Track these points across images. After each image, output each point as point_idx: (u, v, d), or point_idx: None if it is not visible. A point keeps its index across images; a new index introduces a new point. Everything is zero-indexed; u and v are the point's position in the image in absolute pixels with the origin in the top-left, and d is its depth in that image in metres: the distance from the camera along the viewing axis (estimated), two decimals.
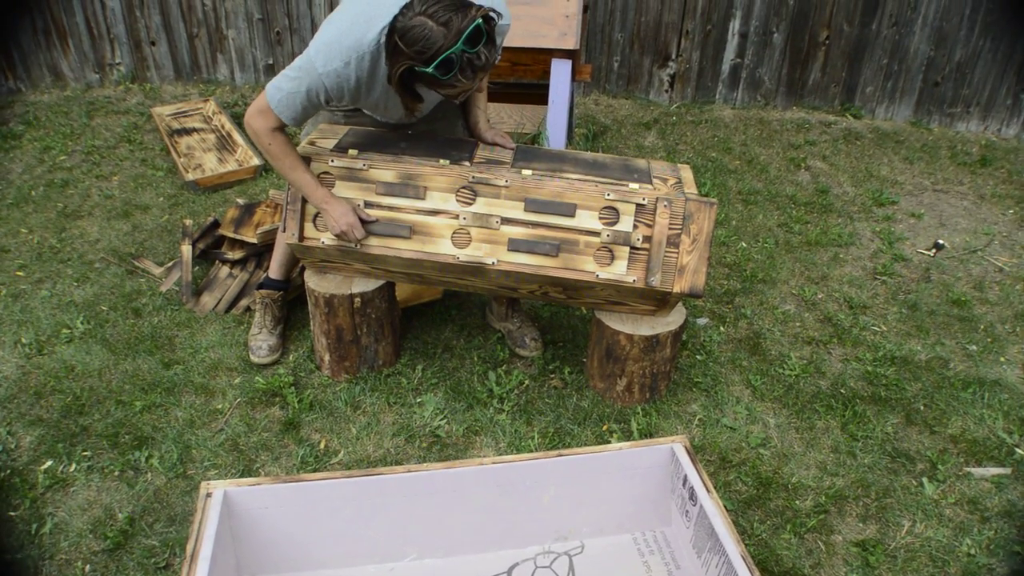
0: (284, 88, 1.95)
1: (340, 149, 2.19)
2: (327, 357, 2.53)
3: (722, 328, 2.84)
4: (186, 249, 2.94)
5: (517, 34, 3.27)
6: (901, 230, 3.58)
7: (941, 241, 3.45)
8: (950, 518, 2.14)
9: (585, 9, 3.37)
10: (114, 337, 2.84)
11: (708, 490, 1.73)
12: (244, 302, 2.91)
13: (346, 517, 1.81)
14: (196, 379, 2.62)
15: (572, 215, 2.12)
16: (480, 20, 1.68)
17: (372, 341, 2.49)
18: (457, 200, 2.15)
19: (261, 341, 2.65)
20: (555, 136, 3.41)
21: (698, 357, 2.68)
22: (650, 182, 2.19)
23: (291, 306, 2.87)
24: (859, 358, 2.74)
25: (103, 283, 3.18)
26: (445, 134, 2.44)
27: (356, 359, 2.51)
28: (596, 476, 1.82)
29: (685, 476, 1.77)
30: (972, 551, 2.04)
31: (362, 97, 2.03)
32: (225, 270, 2.98)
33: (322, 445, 2.34)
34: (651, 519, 1.89)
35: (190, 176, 3.88)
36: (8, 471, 2.29)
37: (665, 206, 2.11)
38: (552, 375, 2.57)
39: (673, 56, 4.62)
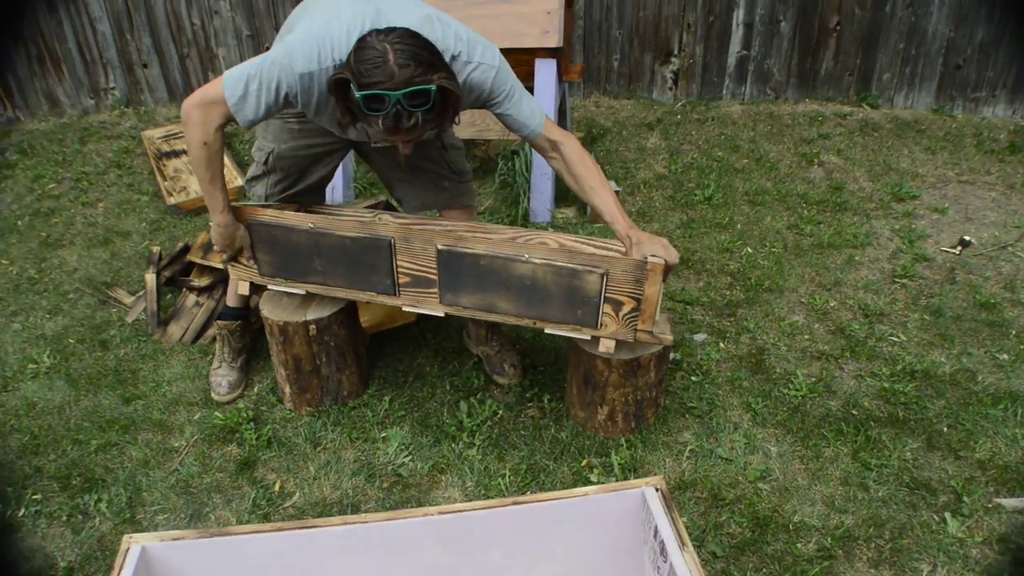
0: (249, 83, 1.73)
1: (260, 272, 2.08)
2: (288, 389, 2.35)
3: (722, 344, 2.60)
4: (150, 278, 2.80)
5: (497, 34, 3.08)
6: (923, 227, 3.29)
7: (967, 237, 3.15)
8: (977, 560, 1.87)
9: (569, 4, 3.16)
10: (78, 371, 2.72)
11: (682, 543, 1.50)
12: (212, 331, 2.76)
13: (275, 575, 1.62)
14: (155, 415, 2.47)
15: None
16: (435, 87, 1.54)
17: (334, 371, 2.31)
18: None
19: (220, 377, 2.49)
20: None
21: (693, 378, 2.44)
22: (595, 323, 1.92)
23: (258, 334, 2.71)
24: (874, 373, 2.48)
25: (75, 314, 3.07)
26: (425, 172, 2.26)
27: (318, 391, 2.33)
28: (556, 527, 1.60)
29: (656, 527, 1.54)
30: None
31: (328, 109, 1.84)
32: (192, 298, 2.84)
33: (277, 486, 2.16)
34: (620, 575, 1.67)
35: (172, 200, 3.76)
36: None
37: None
38: (530, 404, 2.36)
39: (675, 52, 4.38)
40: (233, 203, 2.02)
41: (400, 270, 1.97)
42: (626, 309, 1.88)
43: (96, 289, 3.21)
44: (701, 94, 4.49)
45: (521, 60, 3.13)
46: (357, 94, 1.54)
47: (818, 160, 3.82)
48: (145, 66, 4.98)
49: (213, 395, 2.48)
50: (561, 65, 3.21)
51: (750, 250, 3.09)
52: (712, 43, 4.32)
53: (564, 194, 3.42)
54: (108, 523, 2.12)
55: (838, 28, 4.18)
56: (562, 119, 3.73)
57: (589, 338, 1.99)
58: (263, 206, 2.07)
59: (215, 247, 2.12)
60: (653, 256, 1.80)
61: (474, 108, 1.93)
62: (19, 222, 3.96)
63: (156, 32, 4.94)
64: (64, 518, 2.14)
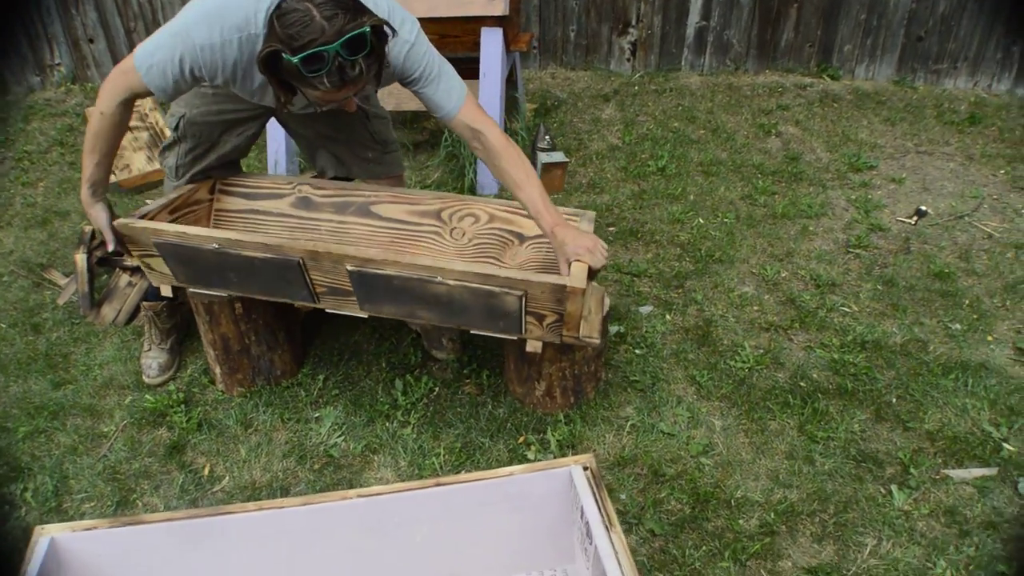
0: (156, 55, 1.66)
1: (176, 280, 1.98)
2: (218, 370, 2.27)
3: (668, 316, 2.54)
4: (80, 258, 2.68)
5: (442, 1, 2.98)
6: (879, 197, 3.24)
7: (924, 207, 3.12)
8: (923, 533, 1.84)
9: None
10: (9, 356, 2.60)
11: (609, 523, 1.45)
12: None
13: (189, 563, 1.54)
14: (85, 400, 2.37)
15: None
16: (368, 28, 1.44)
17: (265, 350, 2.22)
18: None
19: (151, 359, 2.39)
20: (490, 114, 3.10)
21: (637, 351, 2.38)
22: (519, 331, 1.81)
23: (190, 313, 2.61)
24: (824, 344, 2.43)
25: (7, 297, 2.95)
26: (347, 142, 2.16)
27: (249, 371, 2.25)
28: (481, 509, 1.54)
29: (582, 507, 1.48)
30: (948, 573, 1.73)
31: (238, 82, 1.74)
32: (125, 278, 2.73)
33: (206, 471, 2.08)
34: (550, 556, 1.61)
35: (114, 178, 3.62)
36: None
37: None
38: (467, 380, 2.29)
39: (633, 22, 4.29)
40: (130, 223, 1.90)
41: (315, 283, 1.87)
42: (549, 320, 1.77)
43: (31, 271, 3.09)
44: (659, 65, 4.40)
45: (467, 29, 3.04)
46: (294, 59, 1.43)
47: (776, 131, 3.76)
48: (91, 41, 4.80)
49: (144, 378, 2.39)
50: (509, 34, 3.11)
51: (701, 221, 3.03)
52: (671, 13, 4.23)
53: None
54: (34, 513, 2.03)
55: None
56: (512, 90, 3.64)
57: (515, 338, 1.91)
58: (157, 227, 1.89)
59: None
60: (577, 259, 1.69)
61: (388, 84, 1.82)
62: None
63: (102, 5, 4.75)
64: None
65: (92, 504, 2.05)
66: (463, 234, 2.00)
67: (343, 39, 1.42)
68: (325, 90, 1.49)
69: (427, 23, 3.01)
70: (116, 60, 4.81)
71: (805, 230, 3.01)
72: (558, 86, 4.29)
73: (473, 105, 1.81)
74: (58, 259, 3.14)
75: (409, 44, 1.71)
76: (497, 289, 1.67)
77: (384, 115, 2.23)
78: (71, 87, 4.92)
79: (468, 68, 3.18)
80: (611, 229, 2.96)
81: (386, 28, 1.50)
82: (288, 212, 2.16)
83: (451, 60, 3.41)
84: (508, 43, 3.14)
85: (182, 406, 2.27)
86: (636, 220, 3.01)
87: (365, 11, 1.48)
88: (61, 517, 2.02)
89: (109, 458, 2.17)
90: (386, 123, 2.23)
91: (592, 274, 1.71)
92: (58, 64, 5.02)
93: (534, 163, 3.18)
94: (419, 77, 1.75)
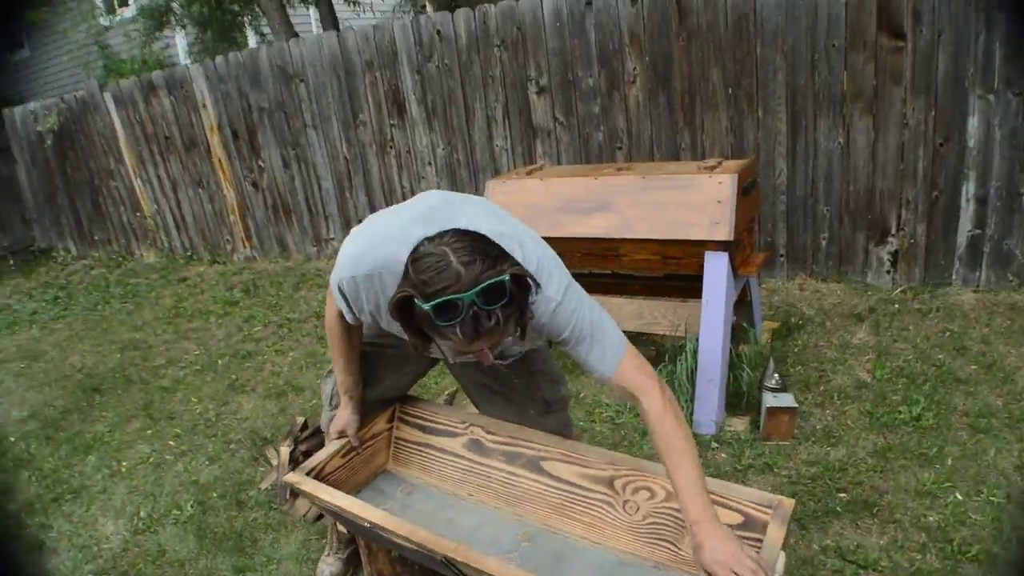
0: (331, 282, 1.72)
1: None
2: None
3: None
4: (284, 451, 2.83)
5: (663, 223, 2.87)
6: None
7: None
8: None
9: (746, 191, 2.86)
10: (209, 527, 2.78)
11: None
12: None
13: None
14: None
15: None
16: (507, 276, 1.33)
17: None
18: None
19: (326, 566, 2.38)
20: (710, 343, 2.85)
21: None
22: None
23: None
24: None
25: (229, 466, 3.20)
26: (505, 395, 2.07)
27: None
28: None
29: None
30: None
31: (383, 319, 1.72)
32: None
33: None
34: None
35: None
36: None
37: None
38: None
39: (893, 230, 3.84)
40: (298, 483, 1.88)
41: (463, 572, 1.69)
42: None
43: (254, 443, 3.34)
44: (924, 279, 3.85)
45: (690, 251, 2.88)
46: (425, 307, 1.34)
47: None
48: (359, 221, 5.43)
49: None
50: (736, 258, 2.89)
51: (959, 497, 2.40)
52: (937, 220, 3.73)
53: (736, 401, 2.98)
54: None
55: None
56: (749, 310, 3.35)
57: None
58: (317, 495, 1.83)
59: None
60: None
61: (538, 341, 1.71)
62: (219, 361, 4.36)
63: (371, 192, 5.40)
64: None
65: None
66: (636, 509, 1.74)
67: (479, 287, 1.30)
68: (458, 341, 1.36)
69: (648, 243, 2.94)
70: None
71: None
72: (806, 300, 3.91)
73: (631, 367, 1.61)
74: (281, 435, 3.36)
75: (556, 303, 1.56)
76: None
77: (552, 374, 2.09)
78: None
79: (693, 288, 3.00)
80: (841, 496, 2.46)
81: (528, 280, 1.37)
82: (461, 453, 2.07)
83: (674, 279, 3.31)
84: (736, 267, 2.91)
85: None
86: (874, 488, 2.48)
87: (507, 259, 1.36)
88: None
89: None
90: (553, 382, 2.09)
91: None
92: (332, 239, 5.73)
93: (759, 404, 2.83)
94: (568, 338, 1.60)
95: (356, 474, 2.12)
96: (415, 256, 1.38)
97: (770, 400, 2.76)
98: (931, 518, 2.33)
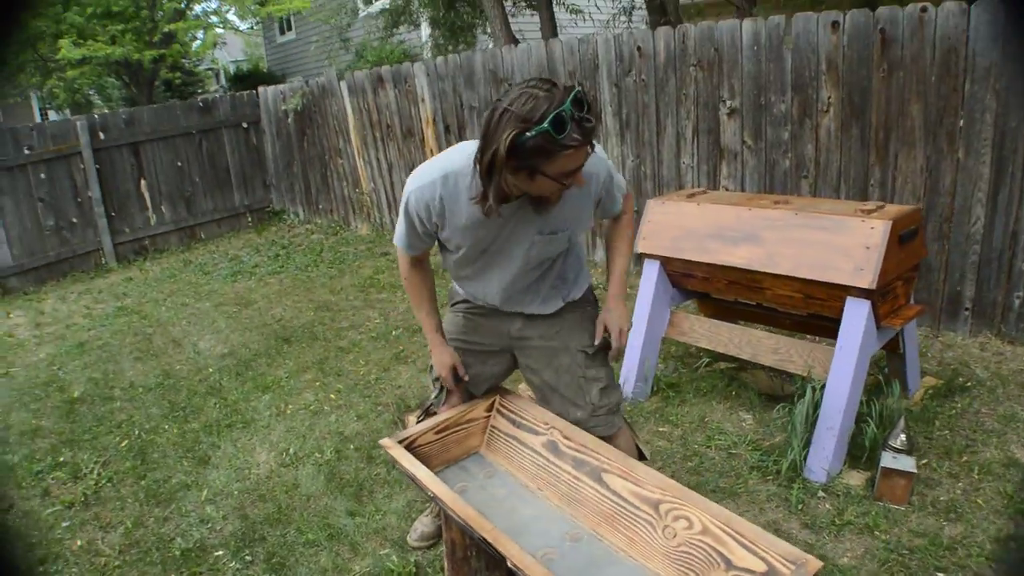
0: (398, 222, 2.07)
1: None
2: (446, 565, 2.37)
3: None
4: (412, 419, 3.12)
5: (807, 262, 2.78)
6: None
7: None
8: None
9: (902, 240, 2.66)
10: (339, 473, 3.17)
11: None
12: None
13: None
14: (357, 537, 2.73)
15: None
16: (577, 87, 1.64)
17: (482, 567, 2.25)
18: None
19: (421, 525, 2.65)
20: (836, 390, 2.71)
21: None
22: None
23: None
24: None
25: (371, 425, 3.59)
26: (560, 393, 2.24)
27: None
28: None
29: None
30: None
31: (447, 220, 1.96)
32: None
33: None
34: None
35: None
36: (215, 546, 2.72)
37: None
38: None
39: None
40: (387, 447, 2.18)
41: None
42: None
43: (398, 409, 3.70)
44: None
45: (833, 294, 2.75)
46: (544, 125, 1.60)
47: None
48: None
49: (408, 537, 2.64)
50: (881, 308, 2.71)
51: None
52: None
53: (860, 455, 2.80)
54: None
55: None
56: (901, 363, 3.12)
57: None
58: (399, 458, 2.12)
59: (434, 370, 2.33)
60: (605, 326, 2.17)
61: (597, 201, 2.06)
62: (393, 332, 4.83)
63: None
64: None
65: None
66: (674, 535, 1.77)
67: (570, 98, 1.60)
68: (571, 152, 1.64)
69: (791, 280, 2.85)
70: None
71: None
72: (983, 362, 3.51)
73: (628, 205, 2.21)
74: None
75: (597, 146, 1.91)
76: None
77: (603, 380, 2.23)
78: None
79: (834, 329, 2.85)
80: (939, 575, 2.25)
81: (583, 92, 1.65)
82: (539, 450, 2.20)
83: (817, 319, 3.16)
84: (880, 317, 2.72)
85: None
86: None
87: (560, 84, 1.66)
88: None
89: None
90: (603, 385, 2.23)
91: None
92: None
93: (877, 462, 2.64)
94: (608, 176, 2.02)
95: (448, 451, 2.34)
96: (508, 103, 1.65)
97: (888, 460, 2.57)
98: None
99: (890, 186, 3.85)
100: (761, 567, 1.57)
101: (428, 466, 2.23)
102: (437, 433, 2.29)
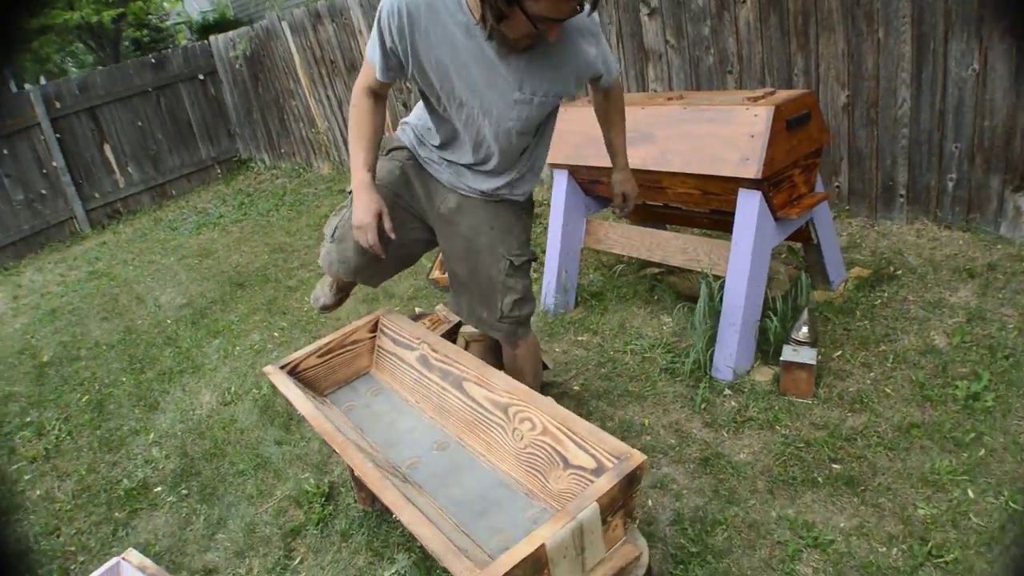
0: (377, 20, 1.82)
1: None
2: (353, 484, 2.46)
3: None
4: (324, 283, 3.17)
5: (698, 157, 2.74)
6: None
7: None
8: None
9: (789, 125, 2.60)
10: (271, 406, 3.29)
11: None
12: None
13: None
14: (282, 465, 2.82)
15: None
16: None
17: None
18: None
19: (320, 294, 2.54)
20: (735, 287, 2.71)
21: None
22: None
23: None
24: None
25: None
26: (473, 292, 2.13)
27: (370, 492, 2.38)
28: None
29: None
30: None
31: (420, 36, 1.77)
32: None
33: (298, 560, 2.32)
34: None
35: (433, 274, 4.17)
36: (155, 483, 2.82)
37: None
38: None
39: None
40: (272, 375, 2.18)
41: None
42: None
43: None
44: None
45: (727, 188, 2.72)
46: None
47: None
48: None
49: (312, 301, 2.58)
50: (775, 198, 2.68)
51: (970, 494, 2.09)
52: None
53: (767, 350, 2.81)
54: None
55: None
56: (819, 257, 3.10)
57: None
58: (289, 396, 2.07)
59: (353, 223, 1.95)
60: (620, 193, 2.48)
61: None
62: None
63: None
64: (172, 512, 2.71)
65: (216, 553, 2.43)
66: (521, 437, 1.82)
67: None
68: None
69: (687, 177, 2.80)
70: None
71: None
72: (918, 248, 3.46)
73: (619, 83, 2.19)
74: None
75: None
76: None
77: (519, 291, 2.10)
78: None
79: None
80: (833, 468, 2.27)
81: None
82: (414, 364, 2.25)
83: (717, 215, 3.12)
84: (775, 209, 2.69)
85: (323, 499, 2.54)
86: (873, 466, 2.24)
87: None
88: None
89: (259, 516, 2.56)
90: (518, 297, 2.10)
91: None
92: None
93: (779, 355, 2.64)
94: (599, 35, 1.94)
95: (335, 373, 2.40)
96: None
97: (788, 353, 2.58)
98: (920, 511, 2.09)
99: (814, 74, 3.74)
100: (591, 463, 1.62)
101: (317, 389, 2.30)
102: (320, 356, 2.33)
